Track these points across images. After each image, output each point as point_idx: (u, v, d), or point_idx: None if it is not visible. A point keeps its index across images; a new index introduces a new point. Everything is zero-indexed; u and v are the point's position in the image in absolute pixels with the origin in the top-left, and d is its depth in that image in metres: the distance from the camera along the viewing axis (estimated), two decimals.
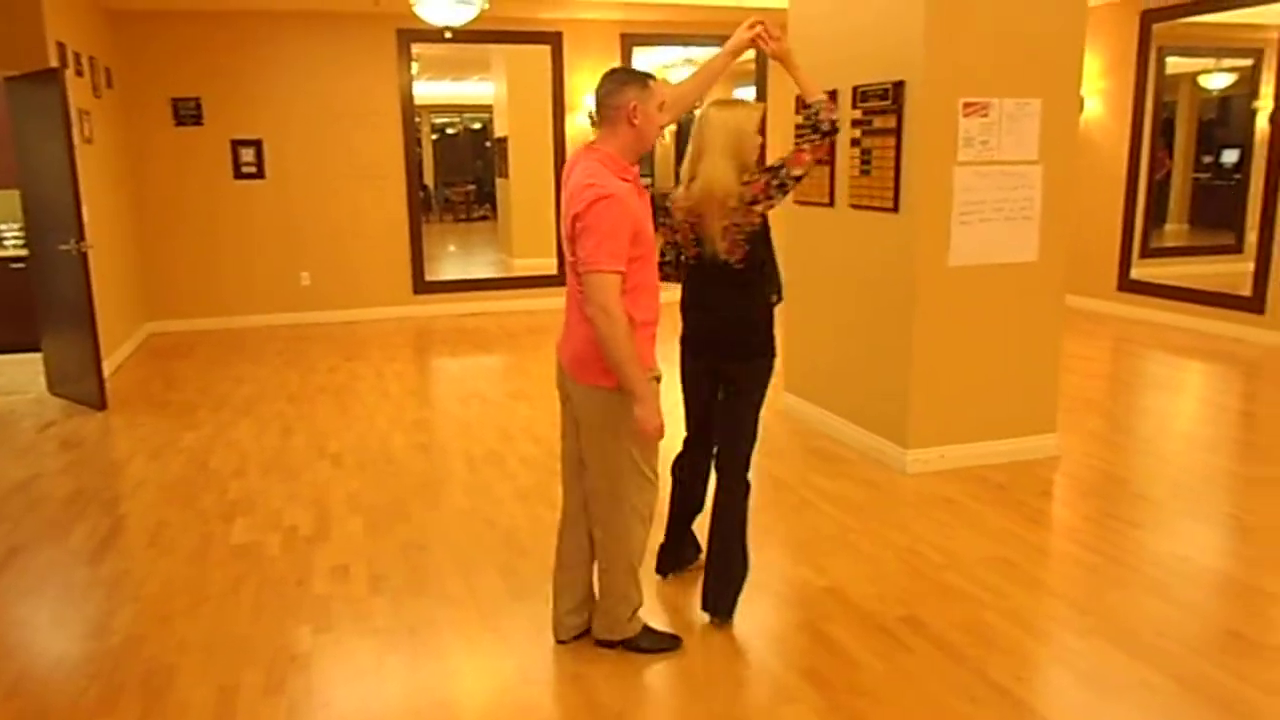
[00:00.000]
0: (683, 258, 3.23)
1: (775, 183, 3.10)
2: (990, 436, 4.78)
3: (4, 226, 8.13)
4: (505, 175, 12.07)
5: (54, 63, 6.35)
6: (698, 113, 3.16)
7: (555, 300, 9.63)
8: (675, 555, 3.59)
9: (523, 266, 10.77)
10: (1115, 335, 8.06)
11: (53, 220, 6.19)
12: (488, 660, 3.10)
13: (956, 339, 4.64)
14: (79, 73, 6.97)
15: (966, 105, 4.47)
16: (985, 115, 4.51)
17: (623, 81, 2.72)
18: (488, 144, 19.70)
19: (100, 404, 6.18)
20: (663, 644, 3.05)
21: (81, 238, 6.01)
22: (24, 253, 7.71)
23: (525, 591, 3.54)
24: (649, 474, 2.87)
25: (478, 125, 20.86)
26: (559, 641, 3.09)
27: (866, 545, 3.89)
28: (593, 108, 2.80)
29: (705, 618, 3.25)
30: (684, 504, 3.54)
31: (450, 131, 21.66)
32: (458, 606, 3.42)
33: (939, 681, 2.90)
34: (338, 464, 5.02)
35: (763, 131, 3.18)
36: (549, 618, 3.25)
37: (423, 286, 9.48)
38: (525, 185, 11.03)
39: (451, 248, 16.24)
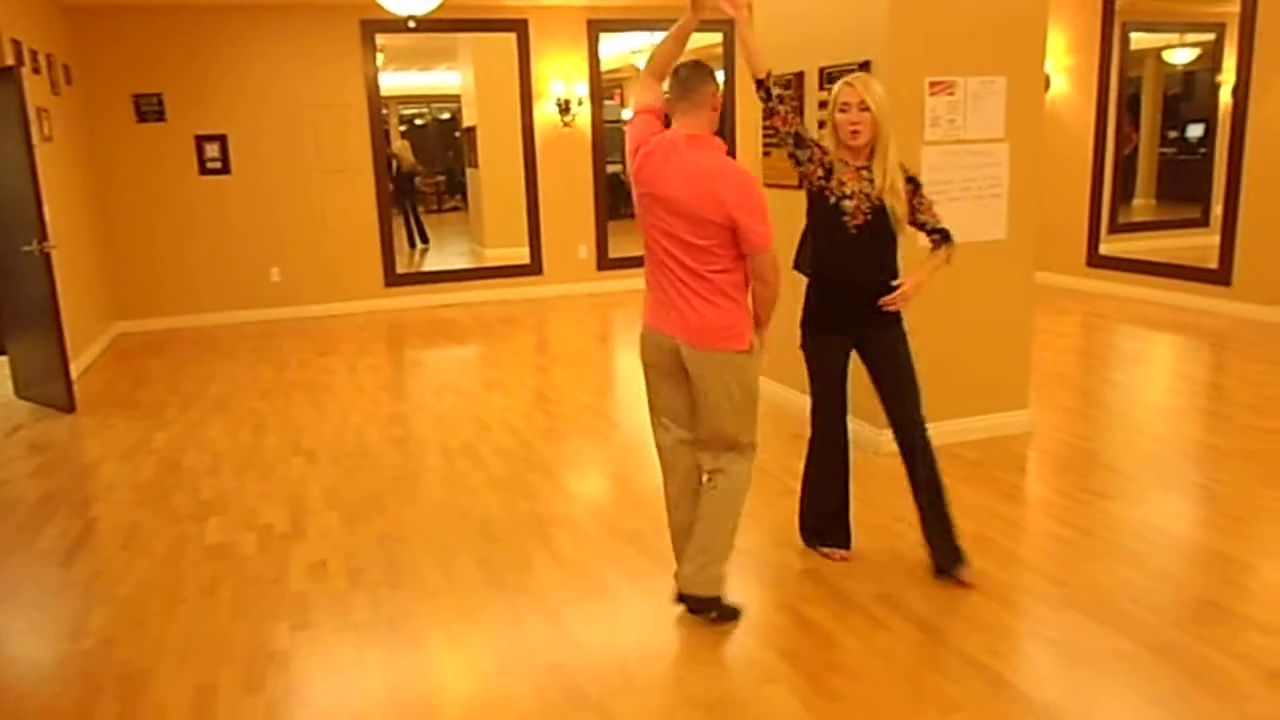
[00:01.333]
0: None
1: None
2: (963, 414, 4.81)
3: None
4: (475, 165, 11.99)
5: (10, 60, 6.24)
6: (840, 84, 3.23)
7: (527, 290, 9.65)
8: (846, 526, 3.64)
9: (494, 256, 10.71)
10: (1085, 310, 8.13)
11: (14, 221, 6.08)
12: (467, 651, 3.09)
13: (927, 318, 4.64)
14: (36, 70, 6.85)
15: (933, 84, 4.48)
16: (951, 94, 4.52)
17: (708, 73, 2.95)
18: (456, 134, 19.58)
19: (69, 406, 6.11)
20: (733, 613, 3.14)
21: (44, 238, 5.92)
22: None
23: (502, 581, 3.53)
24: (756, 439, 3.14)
25: (446, 115, 20.72)
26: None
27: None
28: (666, 89, 2.97)
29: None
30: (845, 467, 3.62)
31: (419, 122, 21.49)
32: (435, 598, 3.41)
33: (916, 658, 2.92)
34: (312, 460, 4.98)
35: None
36: (527, 607, 3.25)
37: (394, 279, 9.41)
38: (495, 175, 10.96)
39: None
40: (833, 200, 3.24)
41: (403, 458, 4.99)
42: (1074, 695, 2.71)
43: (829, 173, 3.24)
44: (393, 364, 7.54)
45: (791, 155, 3.28)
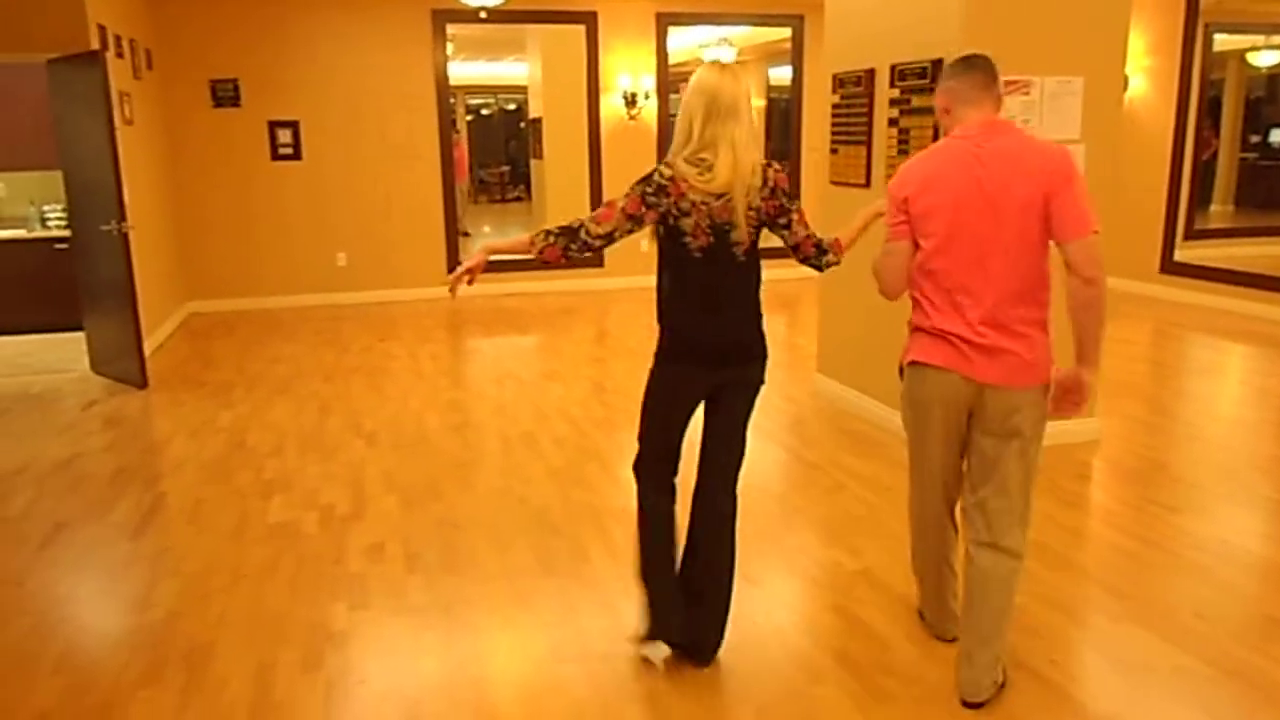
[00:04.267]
0: (691, 247, 2.66)
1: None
2: None
3: (48, 207, 8.28)
4: (540, 156, 12.06)
5: (95, 45, 6.43)
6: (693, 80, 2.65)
7: (588, 281, 9.68)
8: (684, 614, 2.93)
9: None
10: (1157, 318, 7.92)
11: (94, 201, 6.28)
12: (521, 638, 3.12)
13: None
14: (119, 55, 7.05)
15: (1007, 83, 4.36)
16: (1026, 94, 4.43)
17: (991, 61, 2.67)
18: (522, 125, 19.73)
19: (141, 383, 6.28)
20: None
21: (123, 218, 6.09)
22: (68, 233, 7.86)
23: (557, 569, 3.56)
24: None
25: (512, 106, 20.89)
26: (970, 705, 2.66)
27: (899, 527, 3.86)
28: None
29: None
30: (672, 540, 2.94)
31: (485, 113, 21.70)
32: (491, 584, 3.45)
33: None
34: (373, 443, 5.06)
35: None
36: (582, 596, 3.28)
37: (457, 267, 9.48)
38: (561, 166, 11.00)
39: (486, 228, 16.31)
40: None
41: (461, 444, 5.05)
42: (1133, 710, 2.66)
43: None
44: (453, 351, 7.63)
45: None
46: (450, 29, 9.12)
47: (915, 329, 2.72)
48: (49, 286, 7.93)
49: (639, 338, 7.84)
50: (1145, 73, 8.64)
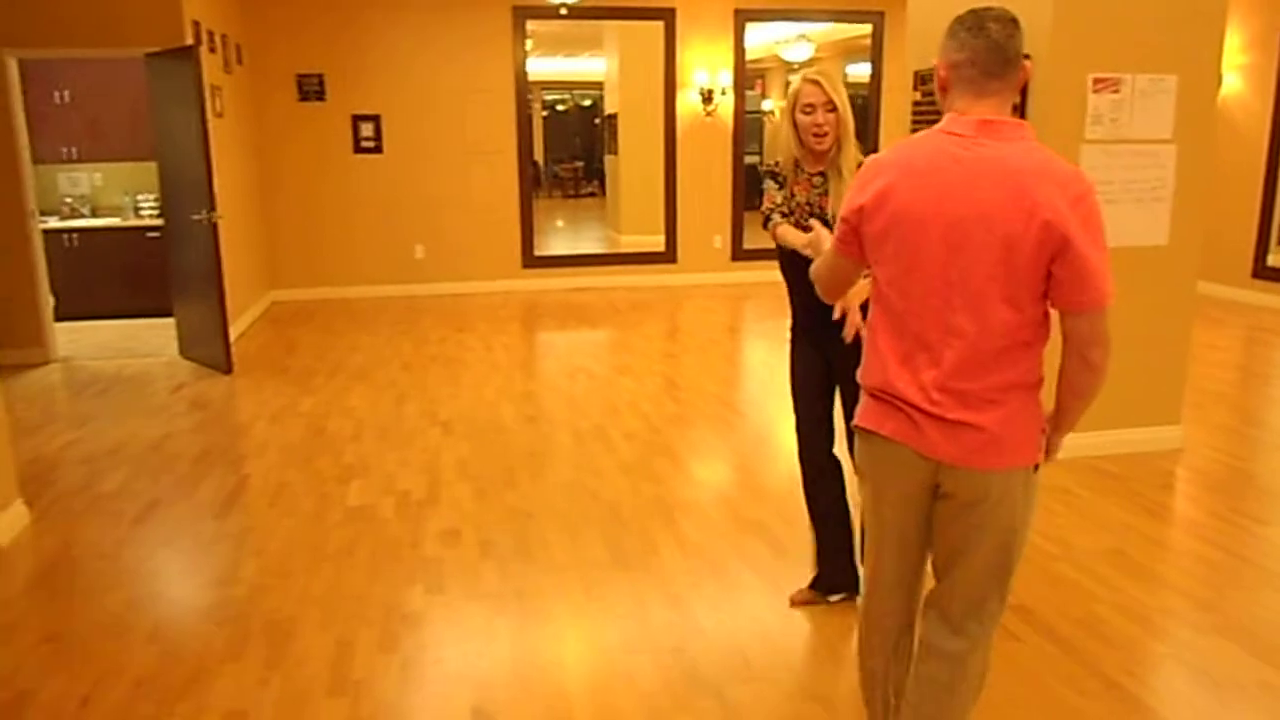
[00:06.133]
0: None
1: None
2: (1109, 426, 4.61)
3: (141, 197, 8.58)
4: (615, 152, 12.12)
5: (190, 40, 6.64)
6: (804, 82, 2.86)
7: (661, 277, 9.71)
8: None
9: (629, 243, 10.83)
10: (1248, 324, 7.66)
11: (186, 191, 6.49)
12: (591, 627, 3.16)
13: None
14: (212, 49, 7.27)
15: (1097, 81, 4.30)
16: (1116, 92, 4.33)
17: (1019, 26, 1.93)
18: (596, 121, 19.82)
19: (227, 368, 6.48)
20: None
21: (213, 208, 6.29)
22: (160, 222, 8.15)
23: (628, 562, 3.59)
24: None
25: (587, 102, 21.01)
26: None
27: None
28: (939, 66, 1.96)
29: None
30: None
31: (560, 108, 21.85)
32: (563, 574, 3.50)
33: (1048, 671, 2.83)
34: (448, 431, 5.15)
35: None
36: (651, 589, 3.30)
37: (532, 261, 9.62)
38: (635, 162, 11.06)
39: (559, 223, 16.43)
40: (785, 212, 2.96)
41: (534, 436, 5.11)
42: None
43: (789, 195, 2.98)
44: (527, 344, 7.72)
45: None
46: (529, 25, 9.22)
47: (862, 382, 2.09)
48: (141, 273, 8.24)
49: (711, 335, 7.84)
50: (1240, 70, 8.36)
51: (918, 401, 1.92)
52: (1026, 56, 1.99)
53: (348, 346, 7.25)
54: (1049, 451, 2.05)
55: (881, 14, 9.69)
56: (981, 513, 1.95)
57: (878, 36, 9.88)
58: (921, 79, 5.19)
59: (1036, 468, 1.98)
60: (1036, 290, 1.84)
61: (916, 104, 5.24)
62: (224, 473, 4.61)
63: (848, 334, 2.73)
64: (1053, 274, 1.81)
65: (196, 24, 6.86)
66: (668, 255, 9.86)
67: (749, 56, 9.78)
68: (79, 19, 6.52)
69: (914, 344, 1.93)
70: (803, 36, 12.24)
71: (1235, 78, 8.38)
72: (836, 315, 2.75)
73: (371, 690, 2.79)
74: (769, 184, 3.02)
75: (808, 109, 2.82)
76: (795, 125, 2.87)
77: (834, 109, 2.80)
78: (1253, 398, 5.94)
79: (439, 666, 2.91)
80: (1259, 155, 8.22)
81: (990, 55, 1.88)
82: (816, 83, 2.80)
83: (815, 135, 2.82)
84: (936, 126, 1.93)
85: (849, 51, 13.86)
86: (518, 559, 3.62)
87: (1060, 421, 2.02)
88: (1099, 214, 1.82)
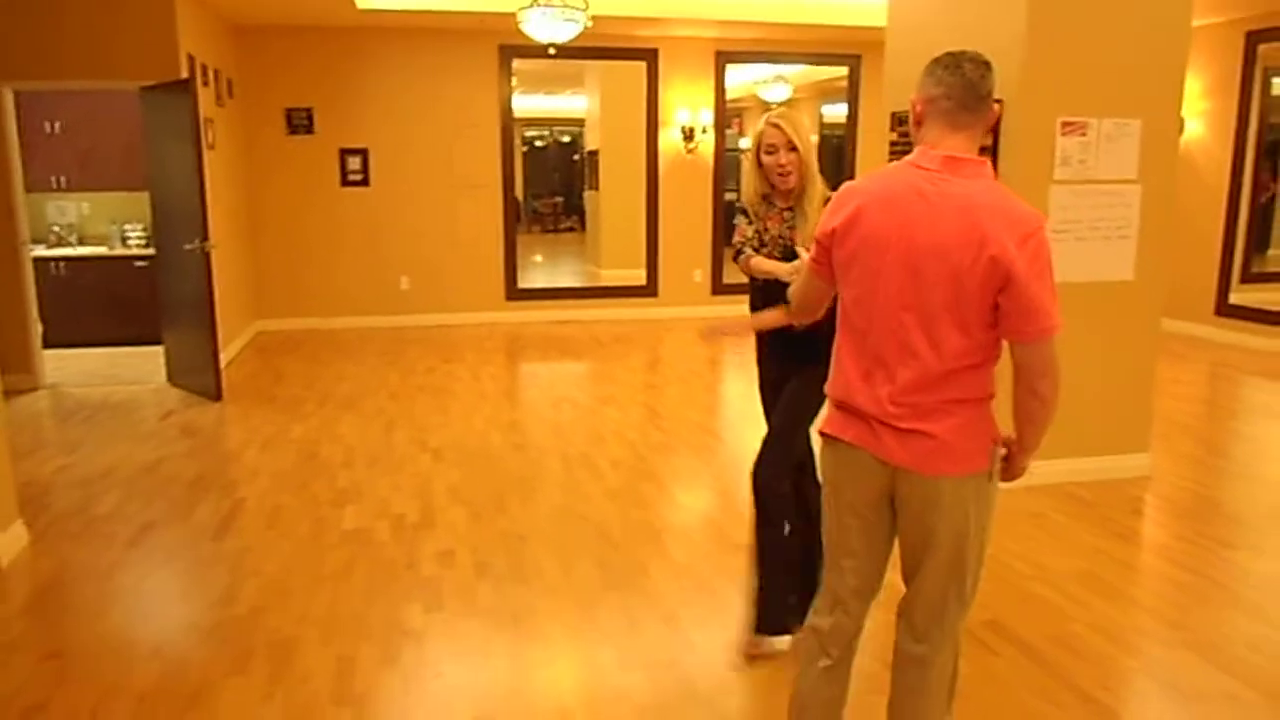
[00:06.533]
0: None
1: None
2: (1079, 453, 4.79)
3: (129, 226, 8.66)
4: (595, 188, 12.32)
5: (184, 74, 6.77)
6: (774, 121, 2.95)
7: (642, 310, 9.87)
8: None
9: (610, 277, 10.99)
10: (1212, 360, 7.91)
11: (178, 221, 6.59)
12: (586, 645, 3.26)
13: None
14: (205, 83, 7.40)
15: (1065, 125, 4.52)
16: (1083, 135, 4.55)
17: (991, 69, 2.08)
18: (575, 157, 20.07)
19: (216, 395, 6.55)
20: None
21: (206, 238, 6.39)
22: (147, 252, 8.23)
23: (619, 583, 3.70)
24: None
25: (566, 138, 21.28)
26: None
27: None
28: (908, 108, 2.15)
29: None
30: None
31: (539, 144, 22.10)
32: (556, 594, 3.60)
33: (1023, 684, 2.97)
34: (439, 458, 5.25)
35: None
36: (642, 608, 3.41)
37: (515, 293, 9.75)
38: (615, 198, 11.25)
39: (538, 257, 16.58)
40: (757, 245, 3.07)
41: (523, 462, 5.22)
42: None
43: (761, 229, 3.09)
44: (512, 374, 7.84)
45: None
46: (514, 64, 9.41)
47: (828, 394, 2.25)
48: (127, 302, 8.30)
49: (692, 366, 7.99)
50: (1203, 116, 8.68)
51: (875, 413, 2.08)
52: (998, 101, 2.16)
53: (335, 376, 7.33)
54: (1015, 472, 2.18)
55: (858, 57, 9.97)
56: (935, 518, 2.08)
57: (854, 79, 10.16)
58: (899, 120, 5.39)
59: (991, 476, 2.10)
60: (985, 319, 1.98)
61: (894, 144, 5.45)
62: (218, 497, 4.68)
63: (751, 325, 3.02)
64: (999, 305, 1.95)
65: (191, 58, 6.99)
66: (649, 289, 10.02)
67: (728, 96, 10.02)
68: (76, 52, 6.64)
69: (873, 361, 2.08)
70: (780, 78, 12.53)
71: (1197, 123, 8.70)
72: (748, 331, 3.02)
73: (375, 702, 2.88)
74: (740, 219, 3.14)
75: (770, 149, 2.93)
76: (760, 165, 2.99)
77: (795, 149, 2.91)
78: (1217, 429, 6.15)
79: (440, 680, 3.01)
80: (1220, 197, 8.52)
81: (964, 92, 2.03)
82: (778, 125, 2.91)
83: (779, 175, 2.93)
84: (907, 159, 2.08)
85: (825, 93, 14.17)
86: (512, 579, 3.72)
87: (1020, 445, 2.14)
88: (1046, 252, 1.95)
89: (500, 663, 3.11)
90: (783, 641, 3.15)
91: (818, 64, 10.68)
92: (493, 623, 3.37)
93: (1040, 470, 4.64)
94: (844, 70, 10.26)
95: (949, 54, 2.08)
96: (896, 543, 2.23)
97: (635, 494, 4.74)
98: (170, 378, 7.09)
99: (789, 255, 2.91)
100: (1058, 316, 1.97)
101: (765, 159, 2.95)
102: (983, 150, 2.11)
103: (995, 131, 4.57)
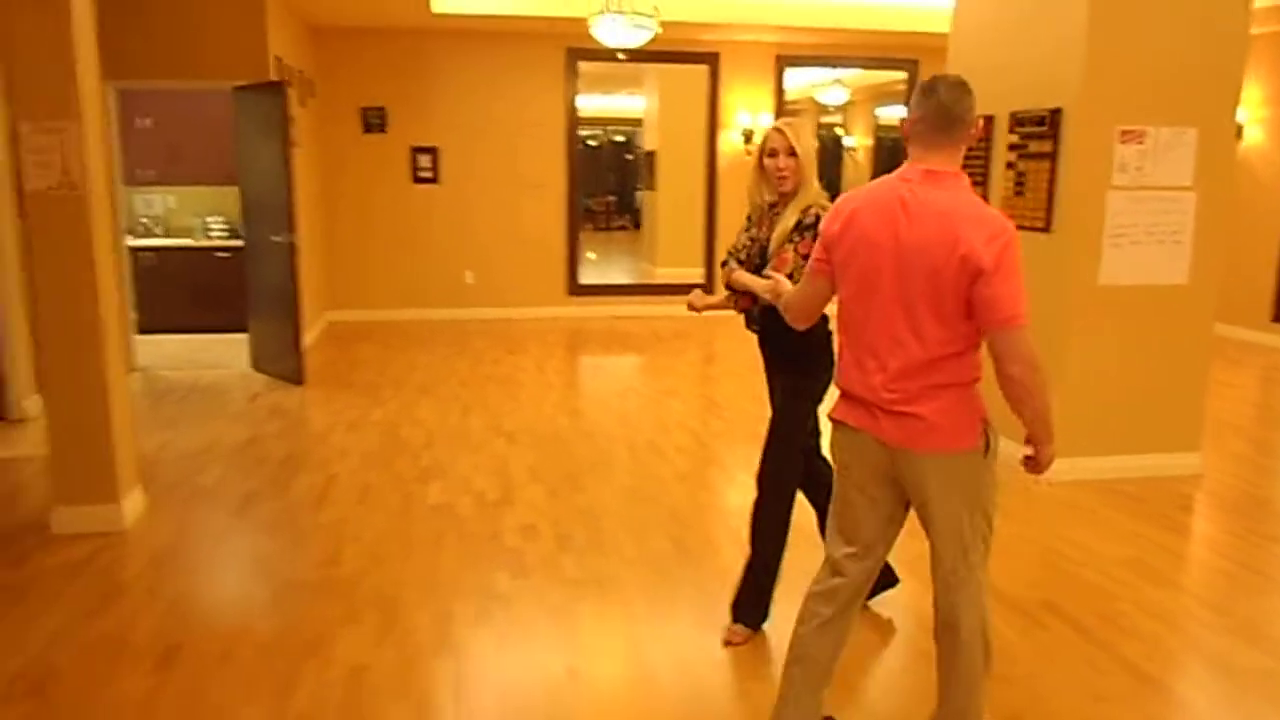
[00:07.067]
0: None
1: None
2: (1131, 451, 4.96)
3: (211, 219, 9.08)
4: (652, 188, 12.58)
5: (273, 75, 7.15)
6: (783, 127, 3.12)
7: None
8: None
9: (664, 275, 11.25)
10: (1266, 364, 7.98)
11: (266, 214, 6.97)
12: (666, 608, 3.53)
13: (1102, 354, 4.85)
14: (289, 84, 7.76)
15: (1123, 133, 4.69)
16: (1141, 143, 4.72)
17: (968, 91, 2.32)
18: (628, 156, 20.36)
19: (298, 379, 6.91)
20: None
21: (293, 230, 6.75)
22: (229, 243, 8.65)
23: (691, 557, 3.96)
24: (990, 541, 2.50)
25: (620, 138, 21.57)
26: None
27: (1003, 538, 4.14)
28: (907, 117, 2.37)
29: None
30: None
31: (592, 144, 22.43)
32: (634, 566, 3.87)
33: (1072, 655, 3.18)
34: (513, 441, 5.55)
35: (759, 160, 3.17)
36: (714, 579, 3.66)
37: (576, 289, 10.06)
38: (672, 198, 11.52)
39: (592, 255, 16.89)
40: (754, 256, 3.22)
41: (593, 447, 5.50)
42: (1221, 703, 2.93)
43: (756, 235, 3.25)
44: (576, 366, 8.13)
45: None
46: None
47: (835, 383, 2.53)
48: (210, 291, 8.72)
49: (747, 360, 8.17)
50: (1262, 123, 8.74)
51: (872, 399, 2.35)
52: (988, 117, 2.35)
53: (407, 364, 7.67)
54: (1040, 463, 2.39)
55: (916, 62, 10.14)
56: (930, 491, 2.34)
57: (912, 83, 10.32)
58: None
59: (986, 454, 2.34)
60: (960, 311, 2.22)
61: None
62: (311, 472, 5.02)
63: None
64: (971, 298, 2.19)
65: (279, 60, 7.37)
66: (706, 287, 10.22)
67: (786, 99, 10.23)
68: (175, 54, 7.04)
69: (867, 352, 2.35)
70: (838, 81, 12.71)
71: (1256, 130, 8.76)
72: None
73: (472, 653, 3.18)
74: (744, 224, 3.31)
75: (772, 153, 3.06)
76: (761, 167, 3.14)
77: (795, 154, 3.04)
78: (1269, 431, 6.26)
79: (532, 637, 3.29)
80: (1278, 204, 8.58)
81: (937, 115, 2.28)
82: (781, 130, 3.07)
83: (778, 177, 3.07)
84: (896, 172, 2.37)
85: (881, 96, 14.33)
86: (592, 551, 4.00)
87: (1029, 434, 2.35)
88: (1013, 254, 2.18)
89: (587, 623, 3.39)
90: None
91: (876, 68, 10.86)
92: (576, 589, 3.65)
93: (1093, 466, 4.88)
94: (902, 75, 10.43)
95: (931, 78, 2.33)
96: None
97: (702, 478, 5.00)
98: (254, 363, 7.48)
99: (762, 253, 3.12)
100: (1020, 309, 2.18)
101: (767, 161, 3.09)
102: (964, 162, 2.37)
103: (1055, 139, 4.76)
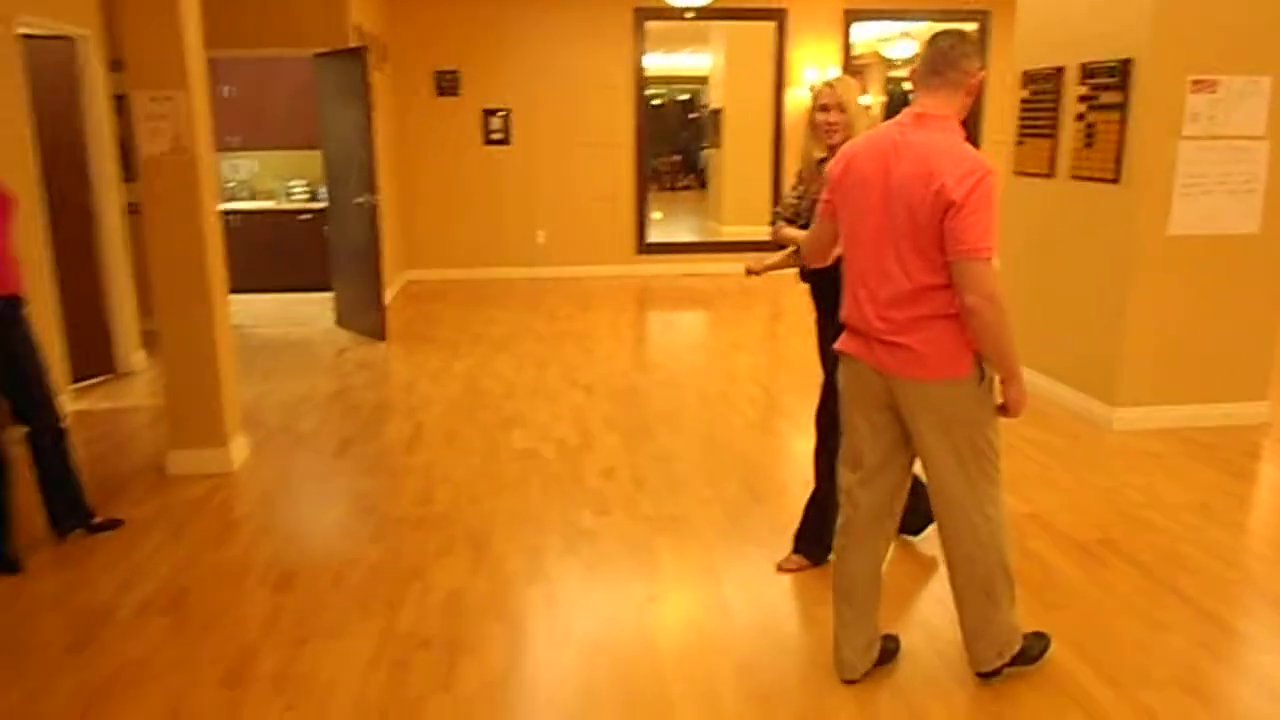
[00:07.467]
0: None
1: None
2: (1199, 400, 5.02)
3: (293, 182, 9.44)
4: (718, 146, 12.66)
5: (352, 43, 7.40)
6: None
7: None
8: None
9: (730, 233, 11.36)
10: None
11: (349, 177, 7.26)
12: (739, 542, 3.74)
13: (1171, 303, 4.90)
14: (367, 50, 8.02)
15: (1195, 83, 4.70)
16: (1213, 92, 4.72)
17: (973, 47, 2.50)
18: (692, 115, 20.36)
19: (381, 335, 7.23)
20: (1042, 644, 2.85)
21: (375, 192, 7.04)
22: (310, 206, 8.99)
23: (763, 497, 4.17)
24: (1000, 466, 2.65)
25: (684, 96, 21.55)
26: (849, 681, 2.78)
27: (1068, 483, 4.30)
28: (921, 64, 2.52)
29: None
30: None
31: (656, 103, 22.42)
32: (709, 505, 4.08)
33: (1130, 588, 3.32)
34: (589, 393, 5.79)
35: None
36: (785, 516, 3.86)
37: (645, 247, 10.24)
38: (738, 156, 11.59)
39: (658, 214, 17.01)
40: (804, 210, 3.33)
41: (666, 398, 5.71)
42: (1275, 632, 3.06)
43: (808, 188, 3.34)
44: (646, 322, 8.34)
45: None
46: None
47: (840, 318, 2.70)
48: (293, 251, 9.09)
49: (811, 316, 8.34)
50: None
51: (866, 329, 2.54)
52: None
53: (484, 320, 7.95)
54: (1009, 404, 2.53)
55: (987, 12, 10.03)
56: (920, 416, 2.53)
57: (982, 35, 10.21)
58: (1029, 78, 5.62)
59: (980, 382, 2.48)
60: (937, 244, 2.37)
61: (1025, 101, 5.67)
62: (401, 420, 5.32)
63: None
64: (942, 227, 2.34)
65: (358, 27, 7.62)
66: (773, 245, 10.33)
67: (852, 54, 10.22)
68: (260, 23, 7.35)
69: (860, 284, 2.55)
70: (906, 34, 12.60)
71: None
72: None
73: (563, 582, 3.42)
74: (793, 182, 3.47)
75: (824, 108, 3.20)
76: (813, 123, 3.27)
77: (844, 110, 3.17)
78: None
79: (615, 570, 3.53)
80: None
81: (933, 58, 2.48)
82: (831, 86, 3.22)
83: (826, 131, 3.20)
84: (890, 120, 2.55)
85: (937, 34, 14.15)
86: (668, 492, 4.22)
87: (993, 366, 2.48)
88: (984, 191, 2.32)
89: (665, 557, 3.62)
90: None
91: (946, 20, 10.75)
92: (655, 525, 3.88)
93: (1161, 415, 4.98)
94: (973, 26, 10.32)
95: (933, 34, 2.53)
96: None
97: (771, 426, 5.19)
98: (338, 320, 7.82)
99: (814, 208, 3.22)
100: (984, 243, 2.33)
101: (818, 116, 3.24)
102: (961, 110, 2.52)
103: (1125, 90, 4.78)
